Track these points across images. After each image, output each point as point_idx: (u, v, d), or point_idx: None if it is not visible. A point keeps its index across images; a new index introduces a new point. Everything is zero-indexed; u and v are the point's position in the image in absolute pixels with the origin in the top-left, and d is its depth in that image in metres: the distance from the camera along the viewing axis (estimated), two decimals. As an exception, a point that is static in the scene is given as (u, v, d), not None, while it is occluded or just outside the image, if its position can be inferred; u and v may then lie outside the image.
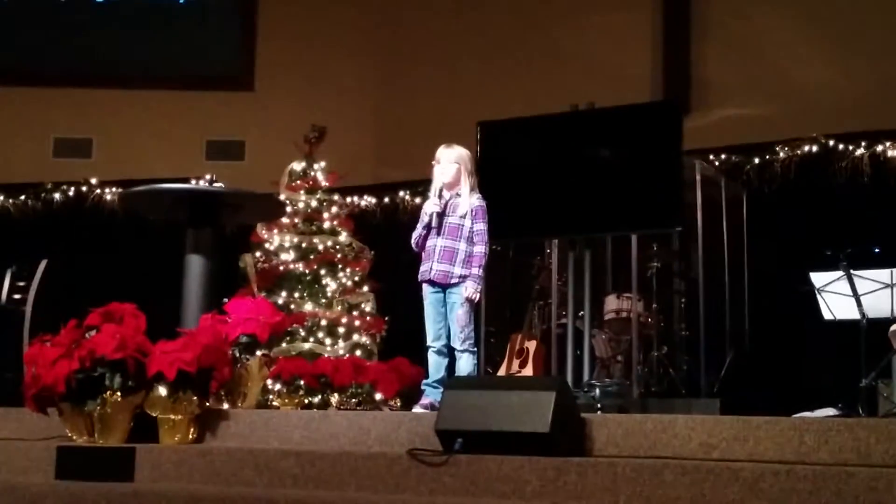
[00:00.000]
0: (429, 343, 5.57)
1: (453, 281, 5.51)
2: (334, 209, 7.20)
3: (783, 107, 7.94)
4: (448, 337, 5.53)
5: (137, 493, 4.10)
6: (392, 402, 6.51)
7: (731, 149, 7.84)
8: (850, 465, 3.65)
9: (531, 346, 6.97)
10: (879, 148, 7.35)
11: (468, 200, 5.59)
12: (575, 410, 4.27)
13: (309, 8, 9.64)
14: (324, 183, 7.23)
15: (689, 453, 3.99)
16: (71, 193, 9.39)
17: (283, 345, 6.56)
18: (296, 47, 9.56)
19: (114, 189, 9.16)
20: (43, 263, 7.23)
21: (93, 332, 4.75)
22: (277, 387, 6.31)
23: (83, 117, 9.61)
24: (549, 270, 7.10)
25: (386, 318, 7.05)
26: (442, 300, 5.55)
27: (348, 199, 8.31)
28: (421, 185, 5.78)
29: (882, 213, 7.00)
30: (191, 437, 4.72)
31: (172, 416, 4.66)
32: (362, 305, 7.01)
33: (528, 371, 6.83)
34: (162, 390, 4.65)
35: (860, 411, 5.18)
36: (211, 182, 6.63)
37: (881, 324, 5.38)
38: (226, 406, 5.10)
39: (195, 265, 5.52)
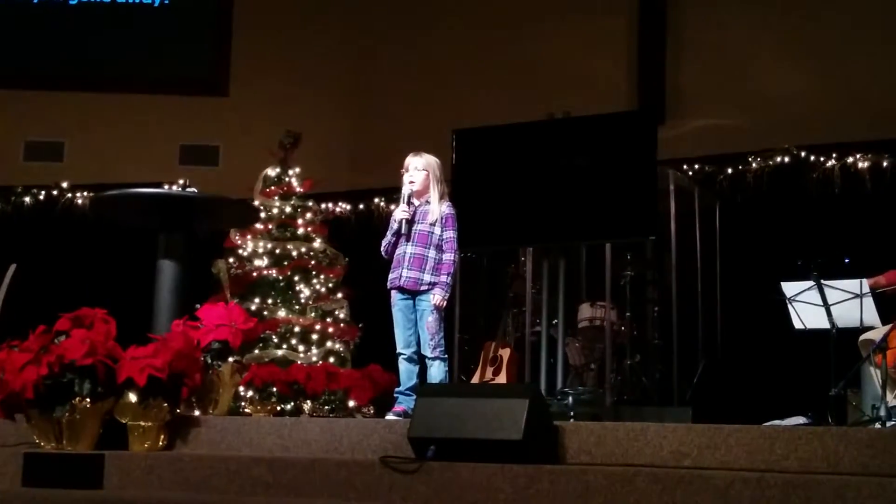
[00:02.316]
0: (399, 350, 5.57)
1: (423, 288, 5.53)
2: (309, 215, 7.18)
3: (756, 118, 7.99)
4: (418, 344, 5.54)
5: (106, 500, 4.08)
6: (365, 410, 6.49)
7: (704, 159, 7.89)
8: (820, 473, 3.68)
9: (505, 353, 6.96)
10: (850, 160, 7.41)
11: (438, 208, 5.61)
12: (548, 418, 4.28)
13: (284, 13, 9.62)
14: (298, 189, 7.21)
15: (660, 461, 4.01)
16: (42, 197, 9.31)
17: (256, 351, 6.53)
18: (271, 53, 9.53)
19: (85, 193, 9.08)
20: (12, 268, 7.15)
21: (62, 338, 4.71)
22: (250, 394, 6.28)
23: (55, 120, 9.53)
24: (524, 278, 7.11)
25: (360, 325, 7.04)
26: (411, 307, 5.56)
27: (323, 206, 8.28)
28: (396, 192, 5.77)
29: (852, 224, 7.06)
30: (161, 443, 4.68)
31: (142, 423, 4.62)
32: (336, 312, 6.99)
33: (502, 379, 6.83)
34: (132, 396, 4.62)
35: (829, 420, 5.22)
36: (184, 187, 6.59)
37: (850, 333, 5.42)
38: (197, 413, 5.07)
39: (167, 271, 5.48)
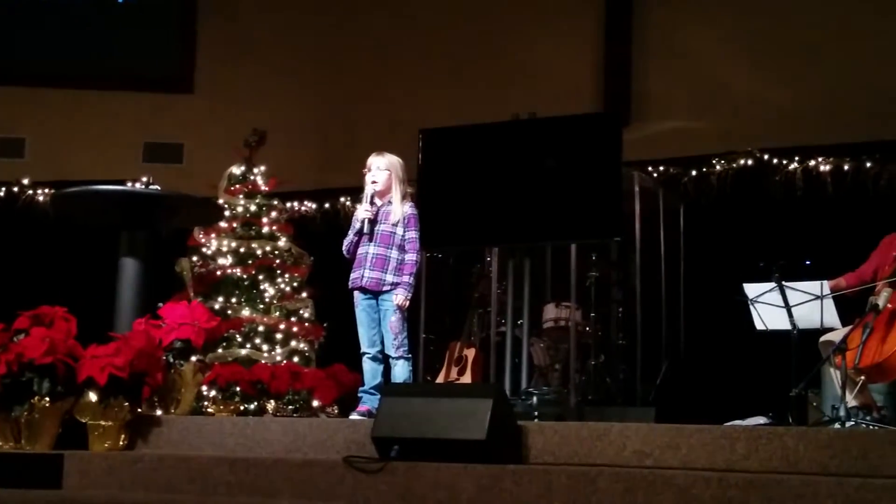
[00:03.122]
0: (363, 350, 5.58)
1: (385, 288, 5.54)
2: (274, 214, 7.14)
3: (720, 120, 8.05)
4: (382, 343, 5.54)
5: (65, 500, 4.04)
6: (330, 409, 6.47)
7: (669, 161, 7.93)
8: (779, 473, 3.72)
9: (470, 353, 6.97)
10: (812, 163, 7.48)
11: (400, 208, 5.63)
12: (512, 418, 4.29)
13: (250, 10, 9.57)
14: (263, 187, 7.16)
15: (623, 461, 4.03)
16: (2, 194, 9.19)
17: (220, 350, 6.48)
18: (236, 50, 9.47)
19: (47, 190, 8.98)
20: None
21: (21, 336, 4.66)
22: (213, 393, 6.24)
23: (16, 116, 9.41)
24: (489, 278, 7.11)
25: (325, 325, 7.01)
26: (374, 306, 5.57)
27: (288, 204, 8.24)
28: (362, 192, 5.77)
29: (813, 226, 7.13)
30: (121, 443, 4.65)
31: (102, 423, 4.59)
32: (301, 311, 6.96)
33: (467, 378, 6.84)
34: (92, 396, 4.58)
35: (790, 420, 5.26)
36: (147, 184, 6.54)
37: (811, 334, 5.47)
38: (158, 412, 5.03)
39: (129, 269, 5.44)
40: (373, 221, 5.63)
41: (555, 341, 7.10)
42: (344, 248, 5.73)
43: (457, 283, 7.69)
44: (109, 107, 9.42)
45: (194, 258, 6.93)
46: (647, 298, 7.14)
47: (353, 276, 5.63)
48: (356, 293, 5.62)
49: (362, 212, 5.64)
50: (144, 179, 7.10)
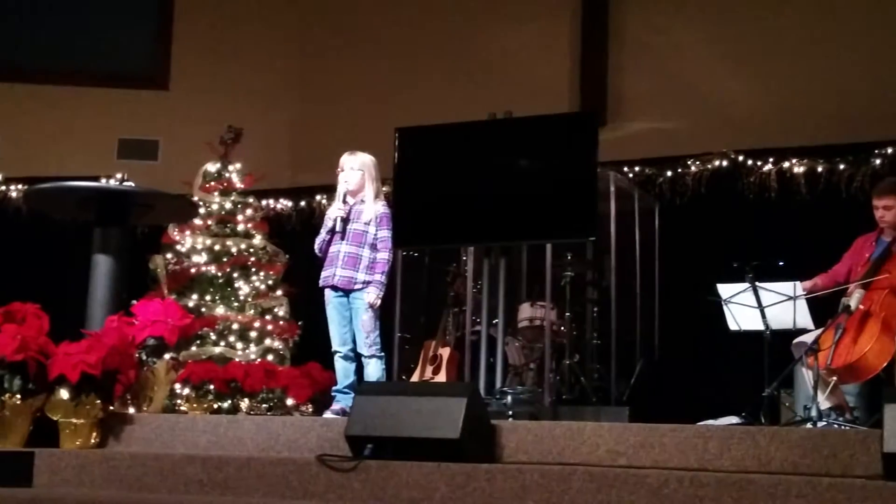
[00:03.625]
0: (335, 348, 5.58)
1: (356, 287, 5.55)
2: (249, 212, 7.13)
3: (695, 121, 8.08)
4: (354, 341, 5.54)
5: (36, 499, 4.00)
6: (304, 408, 6.46)
7: (644, 161, 7.95)
8: (751, 472, 3.74)
9: (445, 352, 6.98)
10: (786, 164, 7.52)
11: (372, 207, 5.65)
12: (485, 417, 4.29)
13: (226, 7, 9.53)
14: (239, 185, 7.15)
15: (596, 460, 4.04)
16: (-26, 190, 9.12)
17: (194, 348, 6.46)
18: (212, 46, 9.42)
19: (20, 186, 8.91)
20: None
21: (-7, 333, 4.62)
22: (186, 391, 6.21)
23: (-11, 112, 9.34)
24: (465, 278, 7.12)
25: (299, 323, 7.00)
26: (346, 304, 5.58)
27: (264, 202, 8.21)
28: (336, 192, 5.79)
29: (787, 227, 7.17)
30: (93, 441, 4.62)
31: (74, 420, 4.56)
32: (275, 310, 6.95)
33: (442, 377, 6.85)
34: (64, 393, 4.55)
35: (762, 420, 5.29)
36: (121, 181, 6.50)
37: (784, 335, 5.51)
38: (131, 410, 5.00)
39: (102, 265, 5.40)
40: (345, 220, 5.64)
41: (530, 341, 7.11)
42: (316, 246, 5.74)
43: (432, 282, 7.69)
44: (84, 103, 9.35)
45: (168, 255, 6.90)
46: (621, 298, 7.16)
47: (324, 274, 5.64)
48: (327, 291, 5.63)
49: (334, 210, 5.66)
50: (119, 176, 7.04)
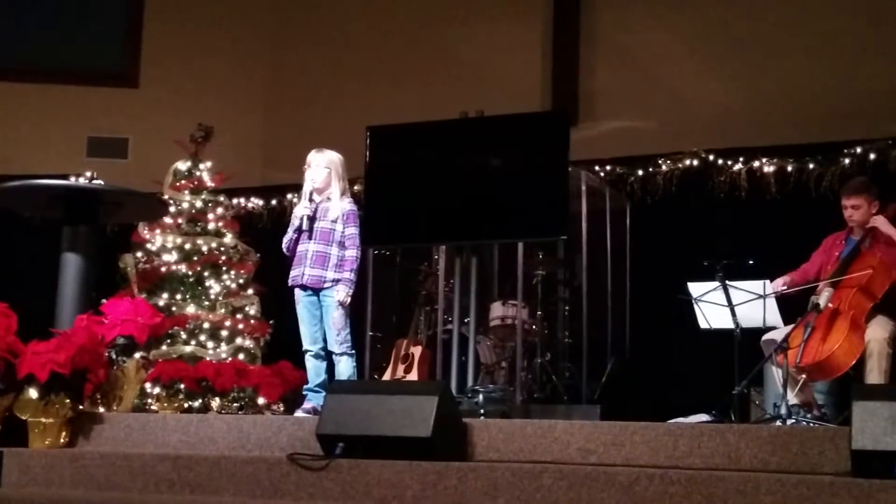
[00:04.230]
0: (306, 347, 5.56)
1: (326, 285, 5.53)
2: (220, 210, 7.08)
3: (666, 121, 8.12)
4: (325, 340, 5.53)
5: (5, 499, 3.97)
6: (275, 407, 6.43)
7: (615, 160, 7.98)
8: (721, 470, 3.77)
9: (416, 351, 6.98)
10: (756, 164, 7.57)
11: (339, 205, 5.64)
12: (457, 415, 4.29)
13: (197, 5, 9.48)
14: (209, 183, 7.11)
15: (567, 458, 4.06)
16: (-58, 188, 9.01)
17: (164, 347, 6.42)
18: (182, 44, 9.37)
19: (-12, 184, 8.81)
20: None
21: (-40, 332, 4.58)
22: (156, 390, 6.17)
23: (-44, 109, 9.24)
24: (436, 276, 7.13)
25: (270, 322, 6.97)
26: (316, 303, 5.56)
27: (234, 201, 8.18)
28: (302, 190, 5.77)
29: (757, 226, 7.22)
30: (62, 440, 4.59)
31: (43, 420, 4.52)
32: (246, 308, 6.91)
33: (413, 376, 6.84)
34: (33, 392, 4.52)
35: (732, 418, 5.33)
36: (91, 179, 6.45)
37: (754, 333, 5.55)
38: (101, 409, 4.97)
39: (71, 264, 5.36)
40: (312, 218, 5.63)
41: (501, 339, 7.13)
42: (283, 245, 5.73)
43: (404, 281, 7.69)
44: (53, 101, 9.27)
45: (139, 254, 6.86)
46: (593, 297, 7.19)
47: (293, 273, 5.62)
48: (297, 290, 5.62)
49: (301, 209, 5.65)
50: (88, 174, 6.99)
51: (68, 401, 4.56)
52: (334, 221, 5.63)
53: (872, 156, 7.21)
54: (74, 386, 4.63)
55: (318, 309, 5.57)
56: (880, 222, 5.45)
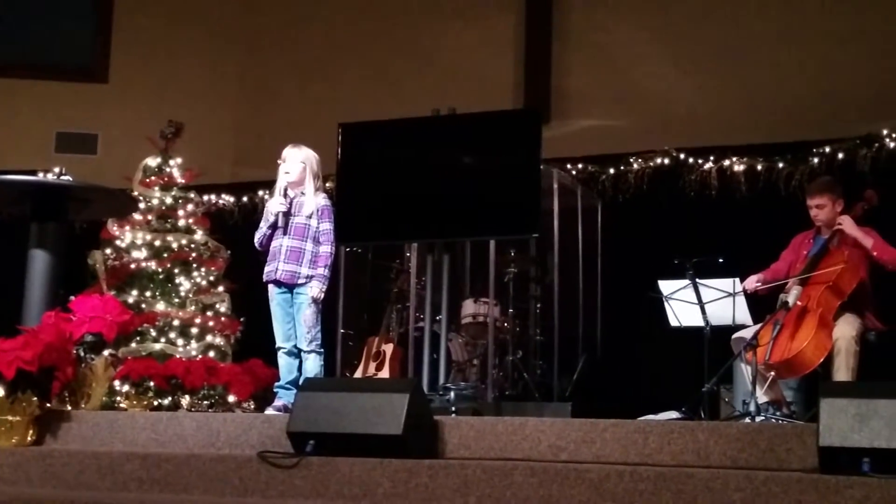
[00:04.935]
0: (278, 344, 5.54)
1: (300, 281, 5.52)
2: (190, 207, 7.03)
3: (638, 119, 8.16)
4: (298, 337, 5.52)
5: (-30, 497, 3.92)
6: (246, 405, 6.40)
7: (587, 159, 8.01)
8: (690, 467, 3.79)
9: (388, 348, 6.98)
10: (726, 163, 7.62)
11: (314, 200, 5.62)
12: (428, 413, 4.29)
13: (167, 1, 9.42)
14: (180, 180, 7.05)
15: (538, 455, 4.06)
16: None
17: (133, 345, 6.36)
18: (153, 40, 9.31)
19: (-46, 180, 8.71)
20: None
21: (-75, 329, 4.53)
22: (125, 388, 6.12)
23: (-78, 104, 9.14)
24: (408, 274, 7.12)
25: (241, 319, 6.93)
26: (289, 300, 5.55)
27: (205, 198, 8.12)
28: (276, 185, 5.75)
29: (727, 225, 7.26)
30: (30, 439, 4.55)
31: (10, 418, 4.48)
32: (217, 306, 6.86)
33: (385, 374, 6.84)
34: (-1, 390, 4.47)
35: (702, 415, 5.36)
36: (59, 175, 6.39)
37: (724, 331, 5.58)
38: (69, 407, 4.93)
39: (39, 261, 5.31)
40: (286, 214, 5.60)
41: (473, 337, 7.14)
42: (256, 240, 5.70)
43: (376, 279, 7.68)
44: (21, 96, 9.20)
45: (108, 251, 6.79)
46: (564, 295, 7.22)
47: (267, 269, 5.60)
48: (271, 287, 5.60)
49: (276, 204, 5.62)
50: (57, 170, 6.91)
51: (35, 399, 4.52)
52: (309, 217, 5.61)
53: (841, 155, 7.28)
54: (42, 384, 4.59)
55: (291, 306, 5.56)
56: (847, 224, 5.48)
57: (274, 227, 5.61)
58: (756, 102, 7.79)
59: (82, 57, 9.45)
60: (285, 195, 5.64)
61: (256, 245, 5.69)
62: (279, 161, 5.71)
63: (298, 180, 5.67)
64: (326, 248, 5.60)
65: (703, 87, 8.07)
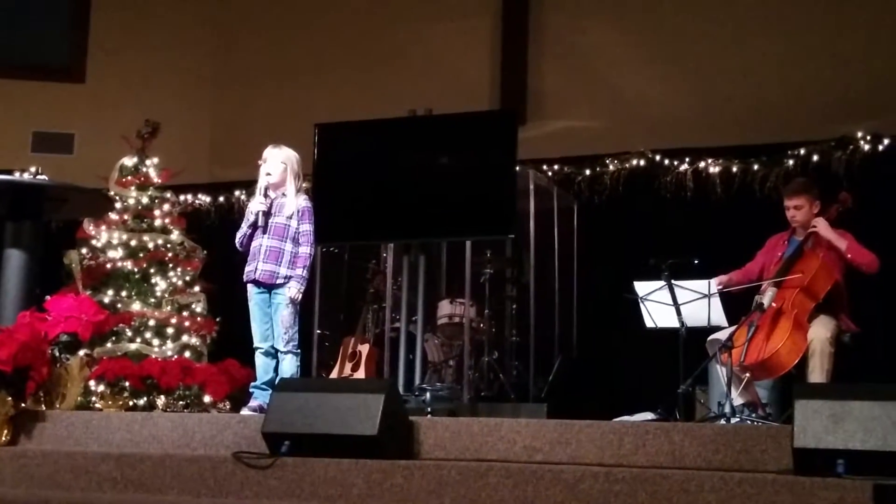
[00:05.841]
0: (256, 344, 5.54)
1: (279, 281, 5.52)
2: (166, 207, 7.00)
3: (614, 121, 8.18)
4: (275, 338, 5.51)
5: (-58, 498, 3.90)
6: (221, 405, 6.38)
7: (563, 160, 8.03)
8: (665, 468, 3.81)
9: (364, 349, 6.97)
10: (702, 164, 7.65)
11: (294, 201, 5.62)
12: (403, 413, 4.30)
13: (143, 1, 9.38)
14: (156, 179, 7.03)
15: (513, 456, 4.07)
16: None
17: (109, 345, 6.33)
18: (130, 39, 9.27)
19: (-72, 179, 8.64)
20: None
21: None
22: (101, 388, 6.09)
23: None
24: (384, 274, 7.12)
25: (217, 319, 6.91)
26: (268, 300, 5.54)
27: (182, 197, 8.10)
28: (257, 184, 5.74)
29: (702, 226, 7.30)
30: (4, 439, 4.53)
31: (-16, 418, 4.45)
32: (193, 306, 6.84)
33: (361, 374, 6.83)
34: (-27, 390, 4.44)
35: (677, 416, 5.39)
36: (35, 175, 6.35)
37: (699, 332, 5.61)
38: (43, 407, 4.90)
39: (14, 260, 5.29)
40: (267, 214, 5.60)
41: (449, 337, 7.14)
42: (237, 240, 5.69)
43: (352, 279, 7.67)
44: (-3, 95, 9.14)
45: (84, 250, 6.76)
46: (540, 295, 7.23)
47: (247, 269, 5.60)
48: (250, 286, 5.59)
49: (256, 204, 5.62)
50: (33, 169, 6.87)
51: (10, 398, 4.50)
52: (289, 217, 5.61)
53: (815, 157, 7.32)
54: (16, 383, 4.57)
55: (269, 307, 5.55)
56: (821, 227, 5.51)
57: (254, 226, 5.60)
58: (731, 104, 7.83)
59: (59, 57, 9.40)
60: (265, 195, 5.63)
61: (237, 245, 5.68)
62: (260, 162, 5.69)
63: (280, 181, 5.66)
64: (306, 250, 5.60)
65: (678, 89, 8.10)
